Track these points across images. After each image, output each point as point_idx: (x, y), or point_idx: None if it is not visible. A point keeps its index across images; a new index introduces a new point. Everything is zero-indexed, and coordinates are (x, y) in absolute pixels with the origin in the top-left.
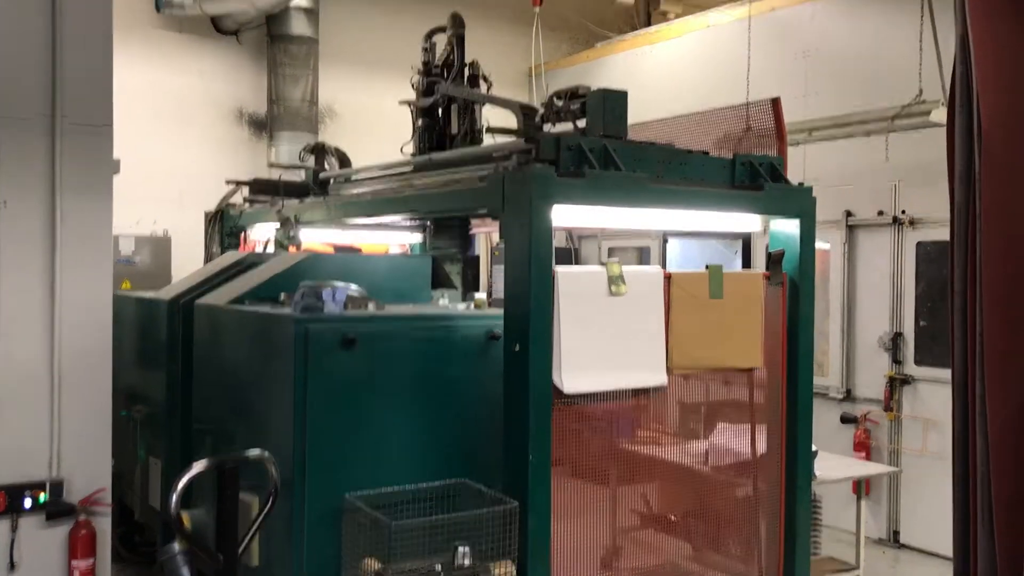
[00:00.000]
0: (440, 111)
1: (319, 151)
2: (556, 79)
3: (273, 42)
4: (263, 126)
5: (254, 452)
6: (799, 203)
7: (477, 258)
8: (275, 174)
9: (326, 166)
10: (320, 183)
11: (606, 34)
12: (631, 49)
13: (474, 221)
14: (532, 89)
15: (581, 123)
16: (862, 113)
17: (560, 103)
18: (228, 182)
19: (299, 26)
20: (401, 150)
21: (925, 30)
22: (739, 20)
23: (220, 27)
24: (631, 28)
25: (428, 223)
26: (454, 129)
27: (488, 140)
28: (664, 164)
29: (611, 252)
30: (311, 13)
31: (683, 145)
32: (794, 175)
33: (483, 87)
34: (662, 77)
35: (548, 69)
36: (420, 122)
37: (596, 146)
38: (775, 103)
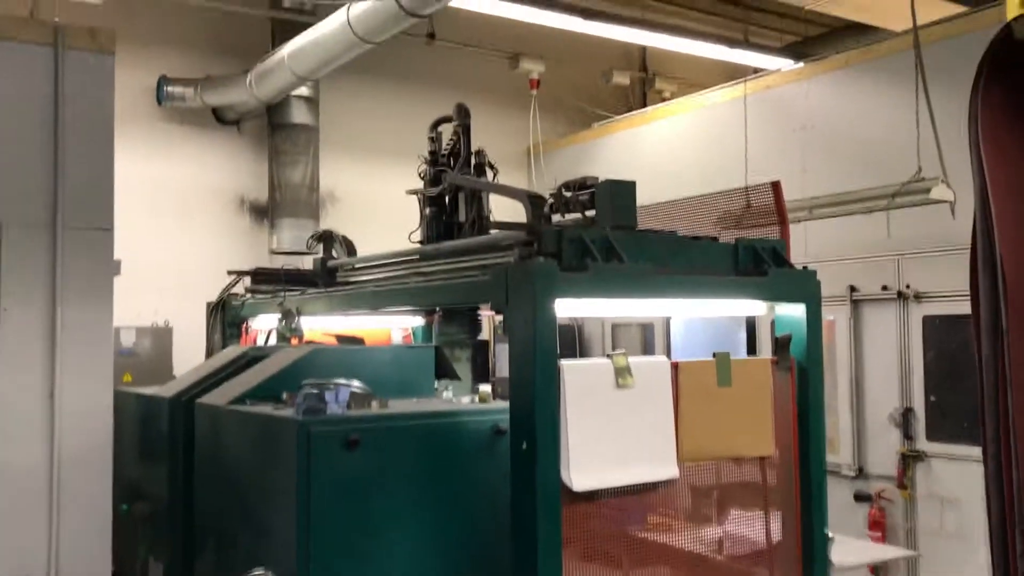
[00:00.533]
0: (447, 200)
1: (327, 239)
2: (554, 159)
3: (274, 131)
4: (264, 213)
5: (257, 573)
6: (804, 288)
7: (486, 344)
8: (277, 261)
9: (334, 253)
10: (328, 271)
11: (603, 114)
12: (628, 129)
13: (483, 306)
14: (531, 169)
15: (591, 212)
16: (862, 191)
17: (569, 194)
18: (230, 272)
19: (299, 115)
20: (409, 238)
21: (921, 106)
22: (735, 99)
23: (221, 118)
24: (627, 108)
25: (437, 310)
26: (462, 217)
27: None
28: (668, 253)
29: (615, 329)
30: (311, 102)
31: (684, 227)
32: (796, 251)
33: (489, 175)
34: (660, 155)
35: (547, 150)
36: (428, 211)
37: (598, 238)
38: (775, 187)
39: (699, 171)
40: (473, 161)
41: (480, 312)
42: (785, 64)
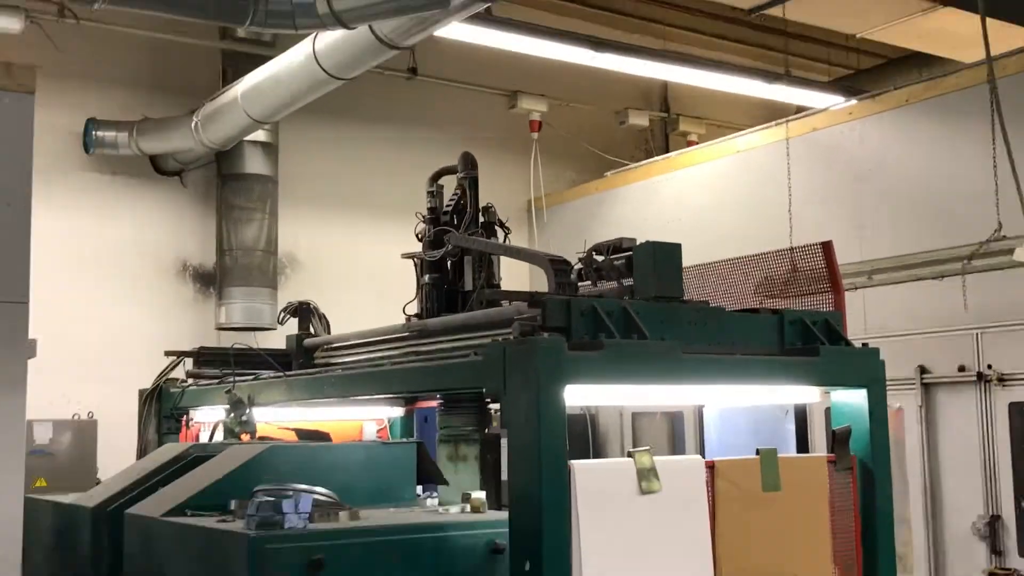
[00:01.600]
0: (450, 265)
1: (303, 312)
2: (560, 215)
3: (224, 183)
4: (211, 281)
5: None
6: (864, 369)
7: (497, 439)
8: (226, 339)
9: (311, 329)
10: (305, 351)
11: (617, 161)
12: (647, 179)
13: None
14: (532, 226)
15: (629, 281)
16: (931, 253)
17: (601, 258)
18: (168, 353)
19: (255, 163)
20: (404, 310)
21: (999, 150)
22: (775, 143)
23: (161, 167)
24: (646, 154)
25: (438, 398)
26: (467, 285)
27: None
28: (699, 327)
29: (636, 420)
30: (269, 148)
31: (718, 296)
32: (853, 325)
33: (500, 235)
34: (686, 210)
35: (550, 204)
36: (427, 278)
37: (615, 309)
38: (827, 248)
39: (733, 229)
40: (481, 219)
41: (487, 400)
42: (834, 102)
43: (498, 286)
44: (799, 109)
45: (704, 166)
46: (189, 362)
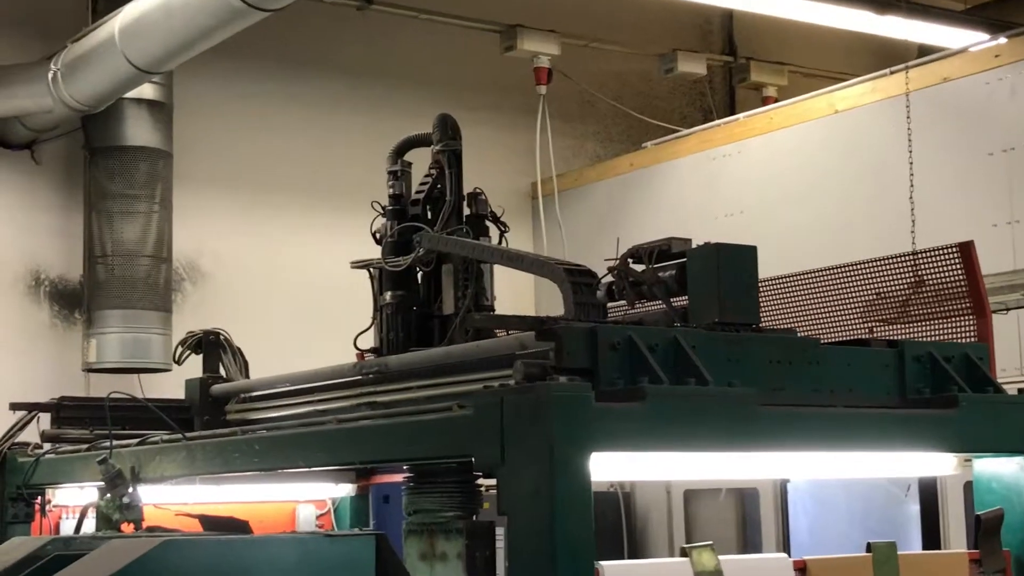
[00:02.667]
0: (421, 278)
1: (211, 345)
2: (577, 204)
3: (94, 159)
4: (76, 302)
5: None
6: (1022, 427)
7: (490, 529)
8: (100, 384)
9: (222, 370)
10: (213, 402)
11: (661, 127)
12: (703, 151)
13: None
14: (539, 221)
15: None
16: None
17: (641, 268)
18: (14, 406)
19: (139, 131)
20: (355, 343)
21: None
22: (889, 99)
23: (2, 138)
24: (703, 117)
25: (406, 474)
26: (447, 307)
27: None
28: (781, 366)
29: (691, 500)
30: (159, 109)
31: (809, 322)
32: (1004, 360)
33: (493, 235)
34: (757, 196)
35: (564, 187)
36: (388, 296)
37: (661, 341)
38: (965, 251)
39: (829, 222)
40: (466, 212)
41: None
42: (973, 40)
43: (491, 308)
44: (923, 51)
45: (786, 132)
46: (45, 419)
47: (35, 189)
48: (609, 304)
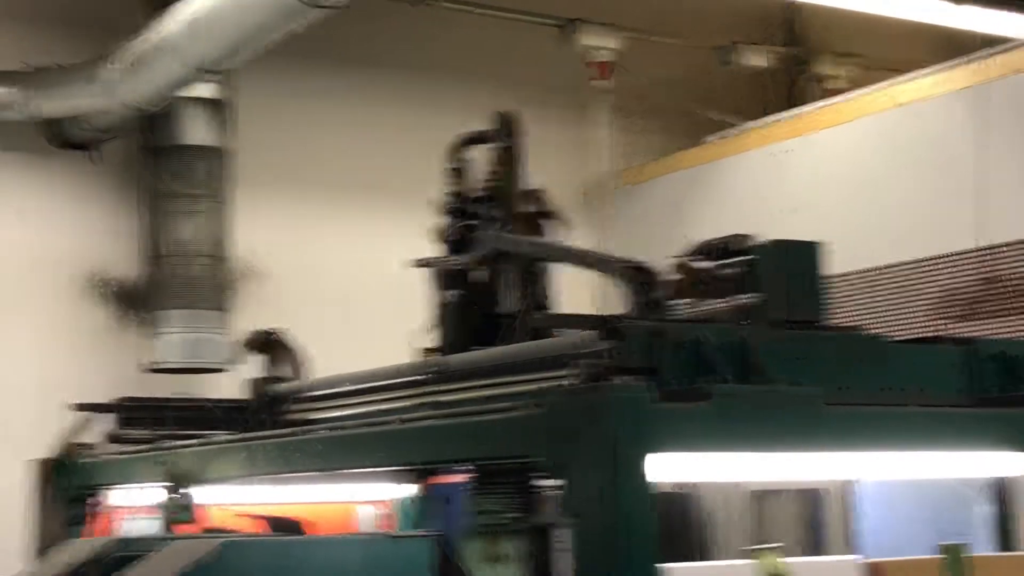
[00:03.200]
0: (483, 277)
1: (270, 346)
2: (637, 200)
3: (153, 159)
4: (135, 301)
5: None
6: None
7: (545, 531)
8: (158, 384)
9: (281, 370)
10: (271, 402)
11: (723, 121)
12: (765, 145)
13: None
14: (599, 216)
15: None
16: None
17: (705, 265)
18: (79, 407)
19: (197, 130)
20: (415, 344)
21: None
22: (958, 92)
23: (60, 138)
24: (763, 109)
25: (468, 476)
26: (506, 306)
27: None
28: (849, 365)
29: (757, 501)
30: (217, 108)
31: (875, 319)
32: None
33: (553, 233)
34: (822, 192)
35: (624, 184)
36: (448, 296)
37: (726, 340)
38: None
39: (894, 218)
40: (527, 209)
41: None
42: None
43: (551, 306)
44: (986, 43)
45: (851, 126)
46: (105, 420)
47: (93, 189)
48: (672, 302)
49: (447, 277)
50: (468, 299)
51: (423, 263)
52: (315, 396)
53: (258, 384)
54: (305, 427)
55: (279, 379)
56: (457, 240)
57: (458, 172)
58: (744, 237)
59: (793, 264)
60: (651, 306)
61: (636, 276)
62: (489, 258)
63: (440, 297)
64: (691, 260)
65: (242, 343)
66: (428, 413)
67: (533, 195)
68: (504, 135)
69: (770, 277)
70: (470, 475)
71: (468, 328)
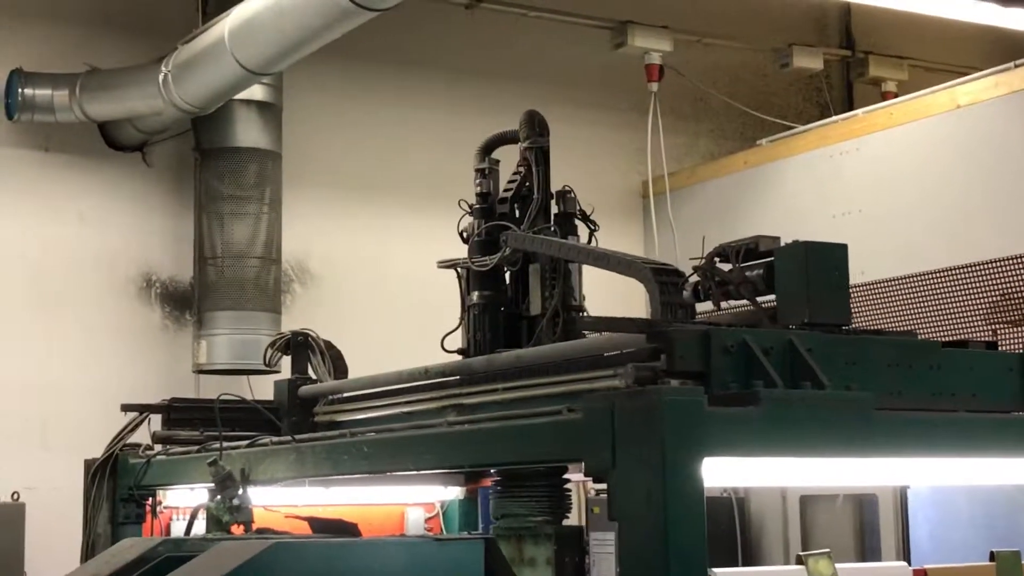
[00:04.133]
0: (510, 278)
1: (299, 346)
2: (690, 202)
3: (204, 161)
4: (187, 303)
5: None
6: None
7: (579, 533)
8: (209, 386)
9: (311, 372)
10: (301, 404)
11: (777, 123)
12: (821, 147)
13: (572, 467)
14: (649, 219)
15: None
16: None
17: (727, 267)
18: (126, 407)
19: (249, 133)
20: (443, 344)
21: None
22: (1013, 95)
23: (114, 140)
24: (820, 112)
25: (495, 479)
26: (533, 308)
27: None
28: (901, 369)
29: (807, 506)
30: (269, 111)
31: (929, 324)
32: None
33: (582, 234)
34: (878, 194)
35: (677, 186)
36: (475, 297)
37: (776, 344)
38: None
39: (950, 222)
40: (555, 210)
41: (567, 477)
42: None
43: (580, 308)
44: None
45: (906, 128)
46: (156, 421)
47: (146, 191)
48: (701, 305)
49: (474, 278)
50: (495, 300)
51: (449, 264)
52: (343, 398)
53: (287, 386)
54: (339, 429)
55: (307, 380)
56: (483, 241)
57: (486, 173)
58: (768, 239)
59: (816, 266)
60: (675, 308)
61: (659, 278)
62: (515, 259)
63: (468, 298)
64: (714, 262)
65: (270, 345)
66: (473, 416)
67: (562, 195)
68: (532, 135)
69: (793, 280)
70: (496, 479)
71: (495, 329)
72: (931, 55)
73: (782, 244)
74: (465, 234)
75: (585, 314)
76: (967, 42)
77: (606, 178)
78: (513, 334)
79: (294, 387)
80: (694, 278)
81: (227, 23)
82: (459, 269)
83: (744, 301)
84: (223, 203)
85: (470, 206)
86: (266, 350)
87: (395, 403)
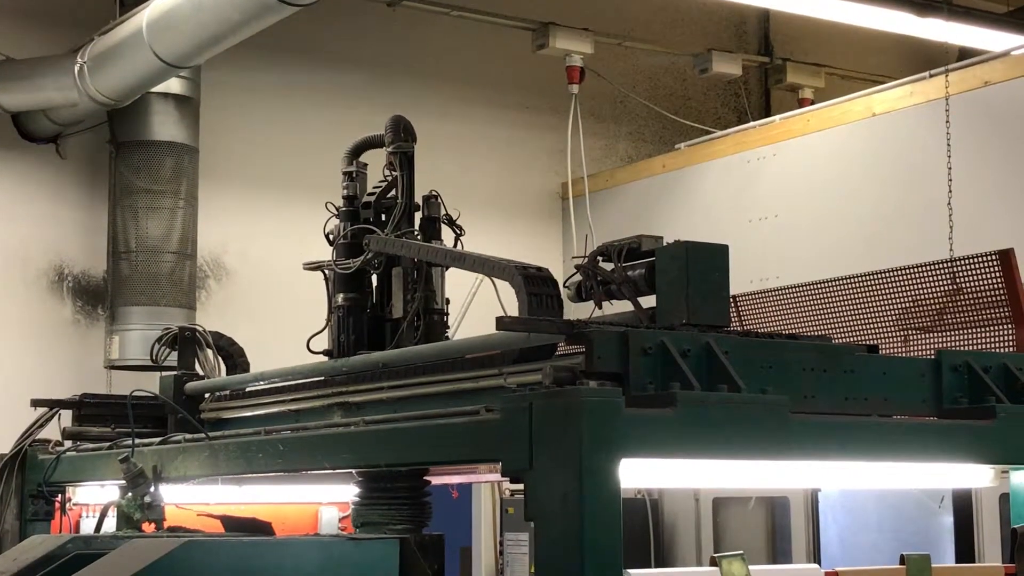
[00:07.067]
0: (372, 280)
1: (186, 341)
2: (610, 203)
3: (119, 154)
4: (100, 297)
5: None
6: None
7: (440, 540)
8: (121, 382)
9: (198, 367)
10: (188, 400)
11: (696, 128)
12: (738, 153)
13: (434, 470)
14: (568, 220)
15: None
16: None
17: (610, 266)
18: (35, 402)
19: (165, 126)
20: (308, 345)
21: None
22: (927, 104)
23: (28, 131)
24: (738, 118)
25: (357, 479)
26: (396, 311)
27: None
28: (815, 374)
29: (719, 508)
30: (186, 104)
31: (841, 330)
32: None
33: (446, 238)
34: (793, 199)
35: (597, 187)
36: (340, 298)
37: (694, 346)
38: (1005, 258)
39: (865, 228)
40: (420, 214)
41: (427, 480)
42: (1014, 43)
43: (442, 311)
44: (963, 54)
45: (823, 135)
46: (67, 416)
47: (59, 183)
48: (577, 303)
49: (340, 280)
50: (360, 302)
51: (315, 266)
52: (229, 395)
53: (172, 381)
54: (220, 427)
55: (194, 376)
56: (348, 244)
57: (353, 177)
58: (650, 238)
59: (696, 267)
60: (545, 308)
61: (531, 278)
62: (378, 262)
63: (333, 300)
64: (597, 261)
65: (157, 340)
66: (341, 415)
67: (426, 200)
68: (397, 140)
69: (673, 280)
70: (357, 485)
71: (360, 331)
72: (848, 63)
73: (664, 243)
74: (331, 236)
75: (447, 317)
76: (883, 51)
77: (526, 179)
78: (378, 336)
79: (180, 383)
80: (575, 278)
81: (145, 15)
82: (326, 271)
83: (625, 302)
84: (138, 197)
85: (336, 209)
86: (153, 345)
87: (280, 400)
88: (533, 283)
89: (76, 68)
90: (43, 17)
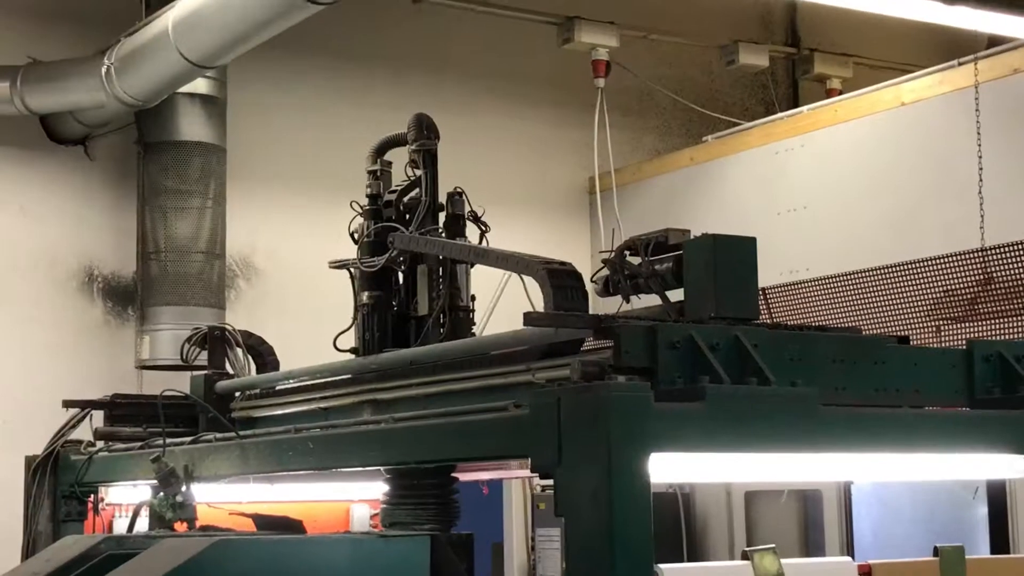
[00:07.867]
0: (398, 278)
1: (216, 340)
2: (637, 197)
3: (147, 155)
4: (129, 298)
5: None
6: None
7: (469, 539)
8: (152, 382)
9: (228, 367)
10: (218, 399)
11: (723, 119)
12: (767, 144)
13: (462, 465)
14: (595, 214)
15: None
16: None
17: (637, 260)
18: (67, 403)
19: (192, 126)
20: (335, 343)
21: None
22: (956, 93)
23: (56, 133)
24: (765, 110)
25: (383, 473)
26: (421, 309)
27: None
28: (845, 366)
29: (751, 501)
30: (213, 104)
31: (872, 320)
32: None
33: (471, 235)
34: (821, 191)
35: (623, 181)
36: (365, 297)
37: (723, 339)
38: None
39: (895, 218)
40: (445, 212)
41: (455, 477)
42: None
43: (467, 308)
44: (992, 42)
45: (851, 125)
46: (99, 417)
47: (88, 185)
48: (605, 298)
49: (364, 278)
50: (385, 300)
51: (340, 264)
52: (257, 394)
53: (203, 380)
54: (250, 426)
55: (223, 374)
56: (373, 242)
57: (377, 175)
58: (678, 232)
59: (724, 260)
60: (572, 303)
61: (556, 274)
62: (403, 260)
63: (358, 298)
64: (624, 255)
65: (187, 340)
66: (371, 412)
67: (451, 197)
68: (420, 138)
69: (700, 273)
70: (385, 485)
71: (385, 329)
72: (876, 53)
73: (691, 237)
74: (356, 235)
75: (472, 314)
76: (912, 40)
77: (553, 174)
78: (403, 334)
79: (210, 382)
80: (603, 272)
81: (171, 15)
82: (351, 270)
83: (653, 295)
84: (166, 197)
85: (360, 207)
86: (183, 345)
87: (310, 398)
88: (557, 277)
89: (103, 70)
90: (69, 19)
